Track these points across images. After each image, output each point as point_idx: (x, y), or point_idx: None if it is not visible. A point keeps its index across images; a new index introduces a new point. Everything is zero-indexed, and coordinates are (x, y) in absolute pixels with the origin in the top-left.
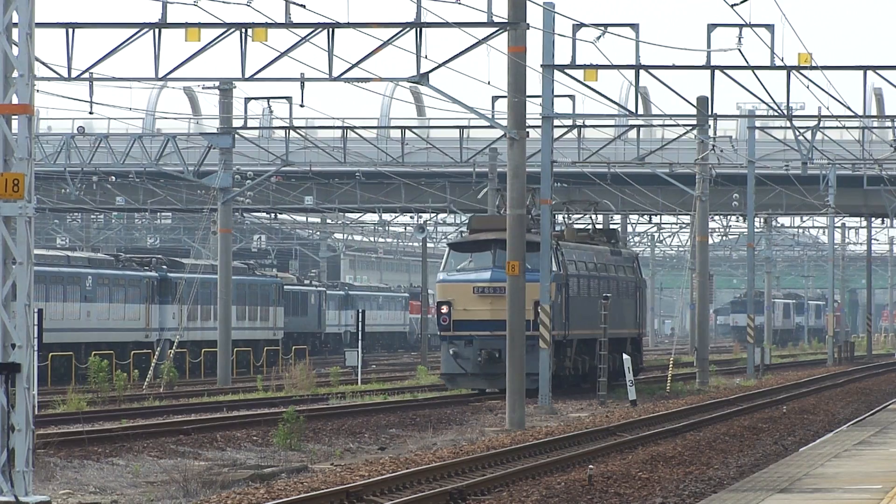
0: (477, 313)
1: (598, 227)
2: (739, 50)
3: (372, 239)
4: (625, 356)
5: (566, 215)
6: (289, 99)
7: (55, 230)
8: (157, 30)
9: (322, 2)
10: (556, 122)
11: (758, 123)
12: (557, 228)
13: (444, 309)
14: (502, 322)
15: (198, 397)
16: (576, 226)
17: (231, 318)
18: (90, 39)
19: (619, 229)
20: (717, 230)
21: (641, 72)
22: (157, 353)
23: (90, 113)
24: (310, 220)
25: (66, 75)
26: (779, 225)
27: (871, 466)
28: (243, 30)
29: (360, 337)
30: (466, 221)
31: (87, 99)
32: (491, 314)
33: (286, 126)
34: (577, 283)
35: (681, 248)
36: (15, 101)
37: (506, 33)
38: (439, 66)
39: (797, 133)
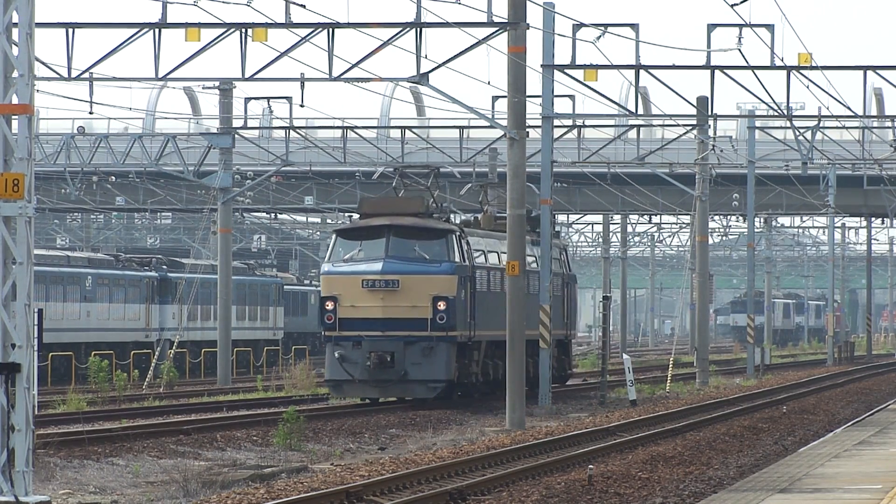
0: (366, 310)
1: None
2: (739, 50)
3: None
4: (624, 356)
5: (485, 198)
6: (289, 99)
7: (55, 230)
8: (157, 30)
9: (322, 2)
10: (556, 122)
11: (758, 123)
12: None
13: (329, 305)
14: (395, 321)
15: (198, 397)
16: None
17: (231, 318)
18: (90, 39)
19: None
20: (717, 230)
21: (641, 72)
22: (157, 353)
23: (90, 113)
24: (310, 220)
25: (66, 75)
26: (779, 225)
27: (871, 466)
28: (243, 30)
29: None
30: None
31: (87, 99)
32: (382, 311)
33: (286, 126)
34: (487, 277)
35: (681, 248)
36: (15, 101)
37: (506, 33)
38: (439, 66)
39: (797, 133)
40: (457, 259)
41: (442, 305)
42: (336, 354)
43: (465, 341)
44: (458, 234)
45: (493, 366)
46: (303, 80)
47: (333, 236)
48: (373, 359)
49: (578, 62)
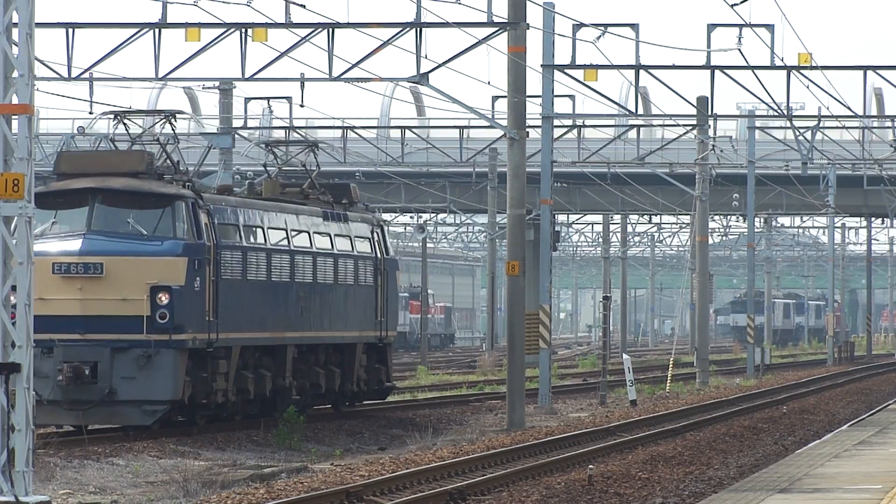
0: (59, 305)
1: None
2: (739, 50)
3: None
4: (624, 356)
5: (274, 153)
6: (289, 99)
7: None
8: (157, 30)
9: (322, 2)
10: (556, 122)
11: (758, 123)
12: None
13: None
14: (99, 320)
15: None
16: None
17: None
18: (90, 39)
19: (354, 187)
20: (717, 230)
21: (641, 72)
22: None
23: (90, 113)
24: None
25: (66, 75)
26: (779, 225)
27: (871, 466)
28: (243, 30)
29: None
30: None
31: (88, 99)
32: (81, 307)
33: (286, 126)
34: (242, 260)
35: (681, 248)
36: (15, 101)
37: (506, 33)
38: (439, 66)
39: (797, 133)
40: (189, 235)
41: (164, 298)
42: None
43: (203, 347)
44: (192, 201)
45: (256, 379)
46: (303, 80)
47: None
48: (66, 372)
49: (578, 62)
